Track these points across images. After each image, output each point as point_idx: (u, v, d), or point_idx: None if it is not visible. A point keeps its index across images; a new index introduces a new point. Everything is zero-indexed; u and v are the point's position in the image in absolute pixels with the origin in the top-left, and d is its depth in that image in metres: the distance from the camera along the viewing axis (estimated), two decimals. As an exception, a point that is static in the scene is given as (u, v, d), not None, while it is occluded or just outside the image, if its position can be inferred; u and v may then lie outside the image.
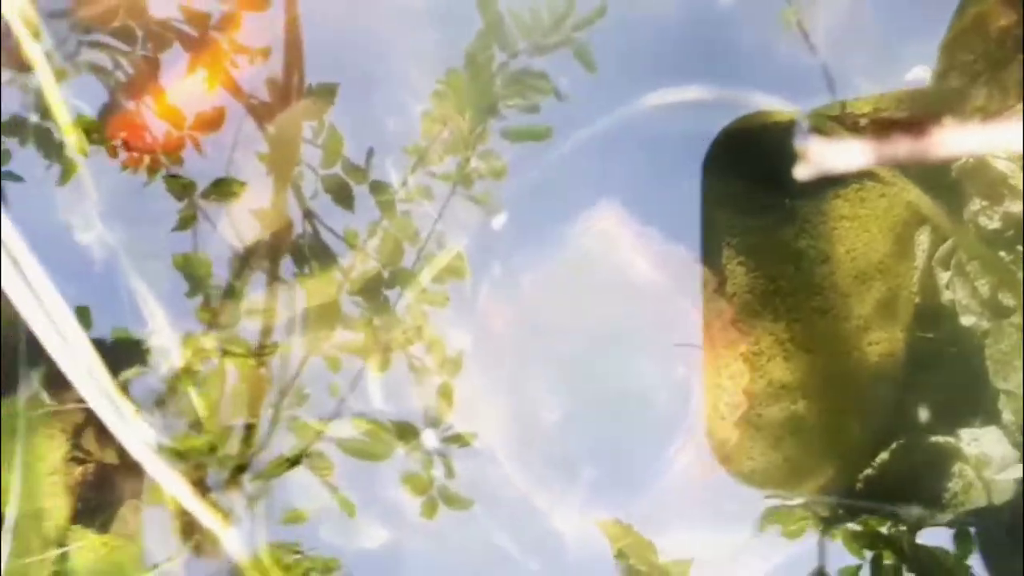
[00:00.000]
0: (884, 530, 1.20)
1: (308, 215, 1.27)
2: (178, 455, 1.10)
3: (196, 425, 1.14)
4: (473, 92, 1.26)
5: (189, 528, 1.09)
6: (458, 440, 1.25)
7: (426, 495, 1.24)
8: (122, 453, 1.18)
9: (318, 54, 1.29)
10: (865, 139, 1.19)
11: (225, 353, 1.14)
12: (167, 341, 1.13)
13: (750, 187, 1.23)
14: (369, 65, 1.29)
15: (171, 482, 1.05)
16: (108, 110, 1.25)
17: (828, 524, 1.20)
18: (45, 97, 1.12)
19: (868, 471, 1.22)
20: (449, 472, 1.25)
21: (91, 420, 1.17)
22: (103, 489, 1.18)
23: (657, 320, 1.24)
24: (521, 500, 1.24)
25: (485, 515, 1.27)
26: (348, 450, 1.24)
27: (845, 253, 1.23)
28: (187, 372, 1.13)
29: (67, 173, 1.23)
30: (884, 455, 1.22)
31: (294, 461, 1.14)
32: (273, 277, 1.24)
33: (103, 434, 1.17)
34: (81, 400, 1.11)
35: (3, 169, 1.22)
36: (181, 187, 1.25)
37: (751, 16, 1.28)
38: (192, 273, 1.22)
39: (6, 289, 0.93)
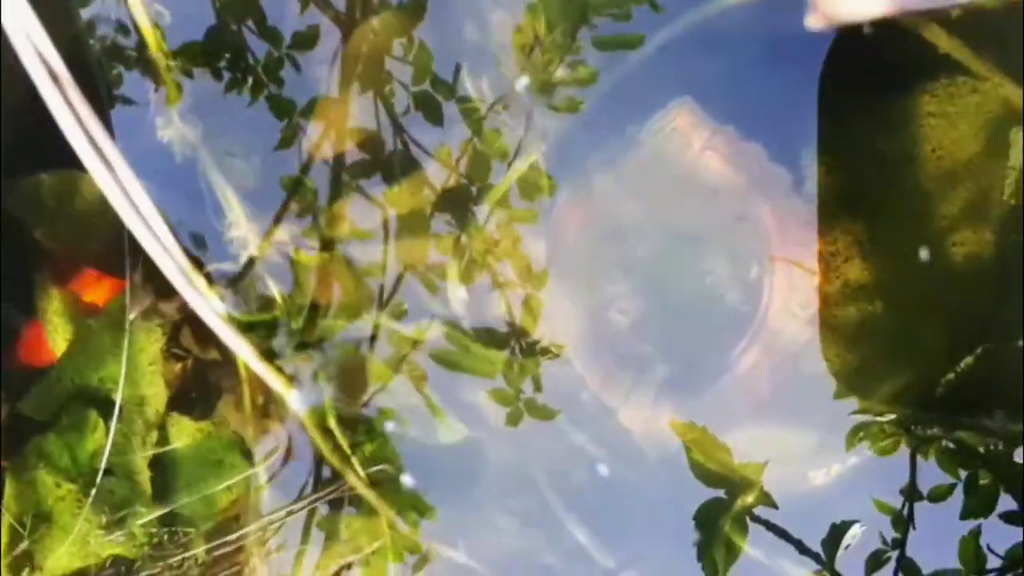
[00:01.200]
0: (981, 449, 1.18)
1: (399, 130, 1.29)
2: (248, 327, 1.18)
3: (267, 306, 1.21)
4: (565, 2, 1.25)
5: (256, 393, 1.17)
6: (546, 353, 1.27)
7: (512, 407, 1.27)
8: (221, 350, 1.26)
9: None
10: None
11: (297, 249, 1.21)
12: (246, 232, 1.20)
13: (831, 85, 1.20)
14: None
15: (240, 346, 1.13)
16: (213, 33, 1.30)
17: (921, 441, 1.18)
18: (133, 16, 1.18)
19: (950, 376, 1.19)
20: (537, 385, 1.27)
21: (188, 319, 1.25)
22: (200, 384, 1.27)
23: (731, 220, 1.24)
24: (591, 399, 1.27)
25: (564, 419, 1.28)
26: (441, 361, 1.27)
27: (931, 152, 1.19)
28: (261, 260, 1.20)
29: (172, 99, 1.29)
30: (968, 360, 1.19)
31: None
32: (363, 192, 1.28)
33: (200, 332, 1.26)
34: (176, 296, 1.20)
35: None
36: (281, 106, 1.29)
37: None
38: (296, 193, 1.27)
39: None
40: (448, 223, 1.29)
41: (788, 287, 1.20)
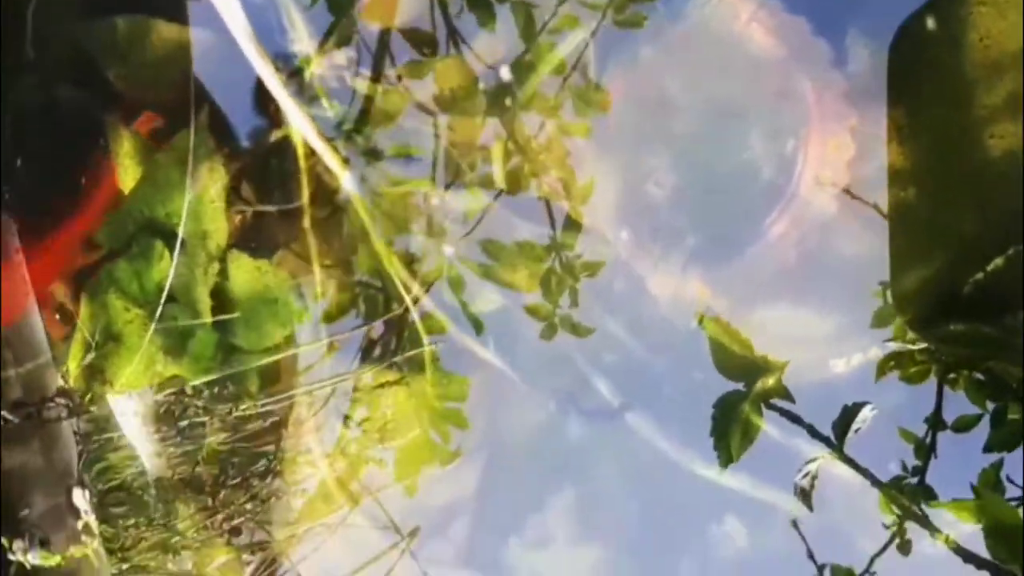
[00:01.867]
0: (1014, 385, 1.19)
1: (452, 34, 1.30)
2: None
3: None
4: None
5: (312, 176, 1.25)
6: (588, 268, 1.31)
7: (548, 322, 1.31)
8: (276, 203, 1.33)
9: None
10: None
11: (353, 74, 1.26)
12: (307, 47, 1.26)
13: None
14: None
15: (301, 122, 1.19)
16: None
17: (949, 369, 1.19)
18: None
19: (979, 276, 1.20)
20: (574, 300, 1.32)
21: (247, 171, 1.32)
22: (260, 235, 1.35)
23: (771, 95, 1.25)
24: (621, 265, 1.32)
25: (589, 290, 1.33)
26: (481, 273, 1.32)
27: (978, 40, 1.18)
28: (318, 74, 1.26)
29: None
30: (998, 262, 1.19)
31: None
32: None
33: (260, 184, 1.33)
34: (238, 145, 1.27)
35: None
36: (336, 3, 1.29)
37: None
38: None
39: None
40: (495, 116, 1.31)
41: (821, 160, 1.22)
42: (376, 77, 1.25)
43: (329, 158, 1.21)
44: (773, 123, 1.23)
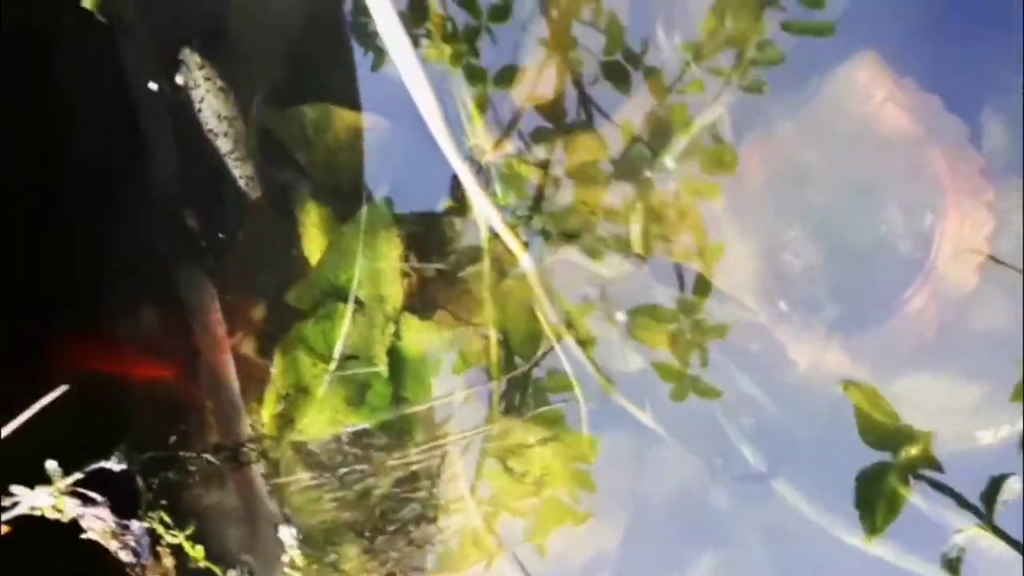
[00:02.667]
0: None
1: (584, 100, 1.38)
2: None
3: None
4: None
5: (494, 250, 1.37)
6: (714, 332, 1.34)
7: (678, 383, 1.35)
8: (439, 270, 1.48)
9: None
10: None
11: (521, 161, 1.39)
12: (482, 142, 1.39)
13: (1013, 40, 1.22)
14: None
15: (488, 208, 1.35)
16: (413, 6, 1.42)
17: None
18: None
19: None
20: (703, 361, 1.35)
21: (416, 240, 1.48)
22: (423, 297, 1.50)
23: (906, 170, 1.29)
24: (758, 331, 1.36)
25: (727, 353, 1.37)
26: (616, 332, 1.38)
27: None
28: (493, 165, 1.40)
29: (378, 61, 1.46)
30: None
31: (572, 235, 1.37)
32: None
33: (424, 254, 1.48)
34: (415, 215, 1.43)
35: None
36: (474, 74, 1.41)
37: None
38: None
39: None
40: (626, 185, 1.38)
41: (959, 235, 1.25)
42: (544, 164, 1.38)
43: (511, 242, 1.34)
44: (909, 198, 1.26)
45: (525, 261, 1.39)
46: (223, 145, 1.42)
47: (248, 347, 1.49)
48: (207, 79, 1.39)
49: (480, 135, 1.38)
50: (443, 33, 1.39)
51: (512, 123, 1.40)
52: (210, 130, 1.42)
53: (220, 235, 1.44)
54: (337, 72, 1.46)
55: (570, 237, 1.36)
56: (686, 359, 1.34)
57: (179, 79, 1.40)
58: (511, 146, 1.40)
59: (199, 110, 1.42)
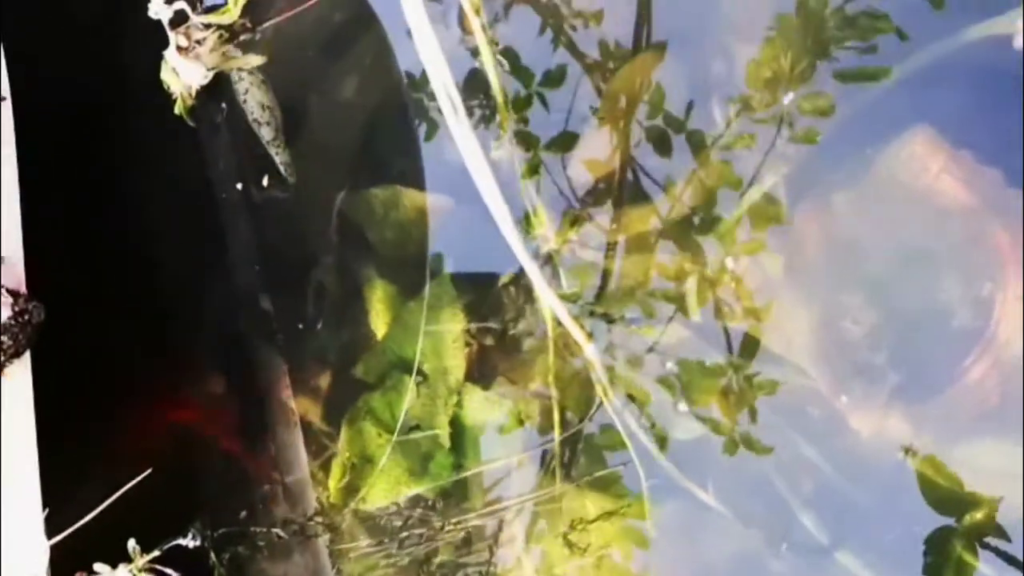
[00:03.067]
0: None
1: (630, 163, 1.41)
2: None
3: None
4: (804, 36, 1.30)
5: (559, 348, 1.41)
6: (763, 388, 1.35)
7: (727, 437, 1.35)
8: (497, 340, 1.52)
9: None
10: None
11: (583, 245, 1.43)
12: (547, 232, 1.44)
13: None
14: (699, 13, 1.41)
15: (553, 301, 1.39)
16: (469, 77, 1.47)
17: None
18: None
19: None
20: (753, 417, 1.36)
21: (478, 309, 1.52)
22: (482, 365, 1.53)
23: (965, 240, 1.30)
24: (818, 396, 1.37)
25: (784, 421, 1.37)
26: (665, 386, 1.41)
27: None
28: (558, 253, 1.44)
29: (431, 132, 1.52)
30: None
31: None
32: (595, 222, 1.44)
33: (487, 321, 1.52)
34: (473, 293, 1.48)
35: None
36: (527, 141, 1.46)
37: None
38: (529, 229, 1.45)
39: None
40: (674, 251, 1.41)
41: (1020, 305, 1.25)
42: (610, 250, 1.42)
43: (577, 333, 1.38)
44: (967, 268, 1.27)
45: (590, 351, 1.42)
46: (265, 133, 1.54)
47: (316, 420, 1.53)
48: (250, 74, 1.47)
49: (544, 224, 1.42)
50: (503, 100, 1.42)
51: (581, 211, 1.44)
52: (255, 120, 1.52)
53: (299, 324, 1.50)
54: (404, 155, 1.52)
55: (631, 322, 1.39)
56: (735, 416, 1.34)
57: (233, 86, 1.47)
58: (574, 234, 1.44)
59: (244, 101, 1.51)
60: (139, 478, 1.21)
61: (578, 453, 1.45)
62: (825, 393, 1.36)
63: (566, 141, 1.41)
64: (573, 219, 1.44)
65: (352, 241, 1.56)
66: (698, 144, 1.35)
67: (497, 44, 1.39)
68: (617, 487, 1.41)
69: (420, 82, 1.49)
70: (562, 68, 1.42)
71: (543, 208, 1.45)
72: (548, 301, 1.40)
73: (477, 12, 1.33)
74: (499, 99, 1.42)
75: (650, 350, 1.41)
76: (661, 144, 1.37)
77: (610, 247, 1.44)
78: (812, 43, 1.30)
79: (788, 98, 1.34)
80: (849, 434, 1.35)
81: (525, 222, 1.45)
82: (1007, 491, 1.26)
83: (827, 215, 1.35)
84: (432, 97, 1.41)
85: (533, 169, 1.42)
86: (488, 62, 1.36)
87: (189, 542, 1.36)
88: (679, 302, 1.38)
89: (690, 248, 1.38)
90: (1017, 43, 1.23)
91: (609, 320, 1.43)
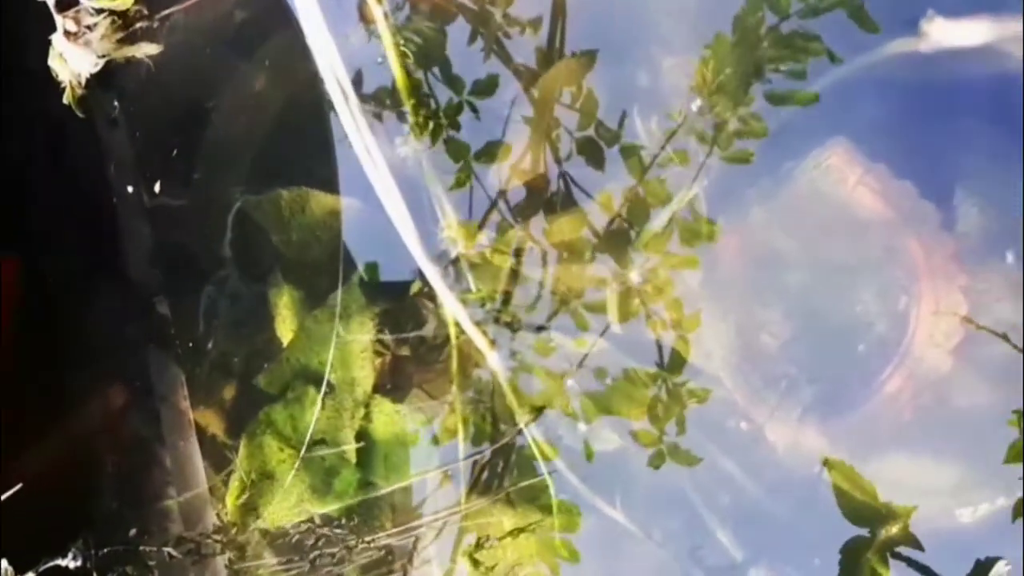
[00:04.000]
0: None
1: (563, 175, 1.38)
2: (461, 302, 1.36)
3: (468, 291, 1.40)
4: (739, 56, 1.30)
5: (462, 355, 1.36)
6: (694, 395, 1.34)
7: (655, 448, 1.34)
8: (413, 348, 1.46)
9: (583, 21, 1.40)
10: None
11: (495, 251, 1.39)
12: (455, 235, 1.39)
13: (986, 129, 1.25)
14: (632, 31, 1.38)
15: (456, 307, 1.33)
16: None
17: None
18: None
19: None
20: (680, 429, 1.34)
21: (391, 319, 1.46)
22: (397, 376, 1.48)
23: (881, 253, 1.30)
24: (735, 408, 1.36)
25: (705, 435, 1.36)
26: (592, 400, 1.37)
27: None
28: (466, 257, 1.39)
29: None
30: None
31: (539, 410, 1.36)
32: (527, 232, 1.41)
33: (401, 331, 1.46)
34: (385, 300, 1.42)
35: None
36: (457, 150, 1.41)
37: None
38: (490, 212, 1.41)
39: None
40: (606, 262, 1.39)
41: (934, 319, 1.26)
42: (518, 251, 1.37)
43: (479, 340, 1.33)
44: (883, 280, 1.28)
45: (492, 360, 1.38)
46: None
47: (219, 432, 1.45)
48: None
49: (454, 227, 1.37)
50: (425, 111, 1.37)
51: (490, 209, 1.40)
52: None
53: (199, 330, 1.42)
54: (315, 156, 1.45)
55: (539, 329, 1.35)
56: (663, 426, 1.32)
57: None
58: (485, 237, 1.39)
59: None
60: (10, 492, 1.11)
61: (492, 467, 1.40)
62: (742, 406, 1.34)
63: (496, 150, 1.38)
64: (483, 221, 1.40)
65: (257, 244, 1.48)
66: (630, 156, 1.34)
67: (401, 34, 1.33)
68: (532, 502, 1.36)
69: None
70: (493, 77, 1.39)
71: (451, 210, 1.40)
72: (450, 306, 1.35)
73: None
74: (404, 92, 1.37)
75: (577, 364, 1.37)
76: (593, 155, 1.36)
77: (525, 253, 1.40)
78: (747, 62, 1.29)
79: (721, 116, 1.33)
80: (766, 447, 1.33)
81: (433, 223, 1.39)
82: (921, 504, 1.25)
83: (745, 228, 1.34)
84: (368, 100, 1.35)
85: (463, 180, 1.38)
86: (391, 51, 1.31)
87: (70, 562, 1.26)
88: (601, 311, 1.35)
89: (616, 258, 1.34)
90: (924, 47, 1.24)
91: (514, 328, 1.38)
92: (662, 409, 1.33)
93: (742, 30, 1.28)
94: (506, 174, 1.39)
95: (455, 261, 1.38)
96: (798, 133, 1.32)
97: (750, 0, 1.27)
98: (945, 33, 1.23)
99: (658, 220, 1.34)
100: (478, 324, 1.36)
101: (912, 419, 1.26)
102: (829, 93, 1.31)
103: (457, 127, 1.40)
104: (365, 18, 1.42)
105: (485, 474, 1.39)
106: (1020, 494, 1.20)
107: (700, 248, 1.36)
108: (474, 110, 1.39)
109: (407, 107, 1.38)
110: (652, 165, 1.32)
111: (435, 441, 1.41)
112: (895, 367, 1.25)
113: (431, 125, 1.39)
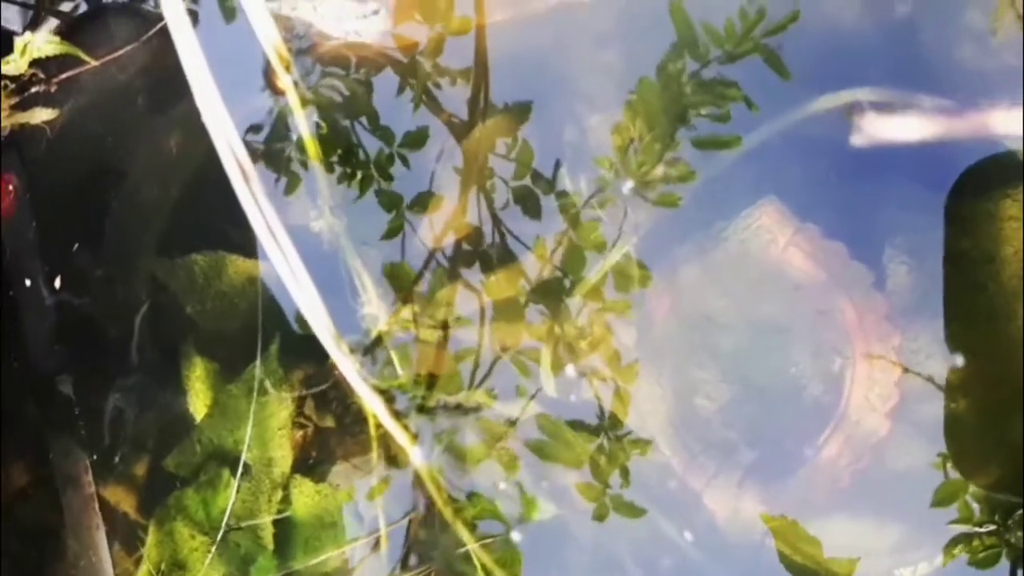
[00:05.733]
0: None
1: (497, 223, 1.37)
2: (379, 390, 1.30)
3: (393, 374, 1.34)
4: (664, 101, 1.31)
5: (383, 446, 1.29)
6: (637, 446, 1.32)
7: (598, 502, 1.31)
8: (337, 420, 1.39)
9: (513, 74, 1.40)
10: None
11: (419, 325, 1.33)
12: (376, 310, 1.34)
13: (912, 186, 1.26)
14: (560, 82, 1.39)
15: (373, 401, 1.26)
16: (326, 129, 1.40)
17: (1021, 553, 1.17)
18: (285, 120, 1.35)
19: None
20: (624, 481, 1.32)
21: (309, 393, 1.39)
22: (320, 449, 1.40)
23: (813, 314, 1.29)
24: (677, 481, 1.33)
25: (645, 498, 1.33)
26: (533, 450, 1.34)
27: (1013, 253, 1.22)
28: (388, 336, 1.34)
29: (292, 185, 1.42)
30: None
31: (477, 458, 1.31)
32: (463, 280, 1.39)
33: (321, 404, 1.39)
34: (306, 371, 1.34)
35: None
36: (389, 200, 1.40)
37: (928, 20, 1.30)
38: (398, 282, 1.39)
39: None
40: (542, 312, 1.38)
41: (869, 380, 1.25)
42: (444, 325, 1.33)
43: (400, 436, 1.27)
44: (817, 341, 1.27)
45: (415, 456, 1.32)
46: None
47: (131, 512, 1.36)
48: None
49: (374, 302, 1.32)
50: (354, 162, 1.35)
51: (427, 262, 1.35)
52: None
53: (106, 409, 1.33)
54: (232, 219, 1.39)
55: (467, 412, 1.30)
56: (606, 478, 1.30)
57: None
58: (408, 311, 1.33)
59: None
60: None
61: (418, 546, 1.34)
62: (680, 472, 1.31)
63: (428, 201, 1.36)
64: (407, 295, 1.34)
65: (169, 313, 1.40)
66: (565, 204, 1.33)
67: (313, 102, 1.29)
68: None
69: (278, 131, 1.38)
70: (423, 129, 1.38)
71: (371, 284, 1.34)
72: (367, 399, 1.29)
73: (287, 68, 1.23)
74: (317, 163, 1.32)
75: (512, 426, 1.32)
76: (529, 204, 1.35)
77: (452, 325, 1.35)
78: (671, 107, 1.30)
79: (649, 163, 1.32)
80: (703, 511, 1.30)
81: (353, 299, 1.34)
82: (861, 565, 1.23)
83: (678, 288, 1.32)
84: (301, 149, 1.30)
85: (395, 230, 1.35)
86: (302, 123, 1.26)
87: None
88: (536, 360, 1.31)
89: (551, 310, 1.31)
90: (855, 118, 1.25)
91: (441, 414, 1.32)
92: (605, 461, 1.30)
93: (665, 76, 1.30)
94: (440, 227, 1.35)
95: (377, 342, 1.32)
96: (728, 191, 1.32)
97: (672, 48, 1.29)
98: (877, 127, 1.23)
99: (593, 271, 1.31)
100: (399, 416, 1.30)
101: (851, 483, 1.24)
102: (759, 150, 1.31)
103: (389, 179, 1.38)
104: (274, 88, 1.38)
105: (412, 556, 1.33)
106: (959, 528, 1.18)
107: (634, 295, 1.34)
108: (405, 162, 1.38)
109: (323, 164, 1.33)
110: (585, 206, 1.32)
111: (360, 519, 1.34)
112: (832, 431, 1.24)
113: (360, 176, 1.36)
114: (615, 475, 1.31)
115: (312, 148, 1.32)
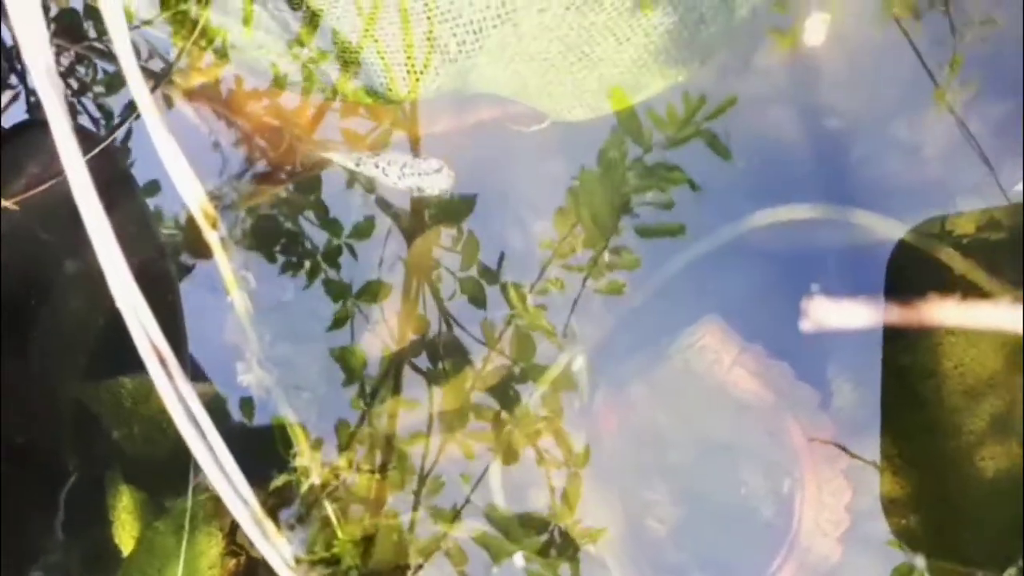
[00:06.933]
0: None
1: (444, 315, 1.36)
2: (312, 565, 1.24)
3: (330, 538, 1.28)
4: (605, 187, 1.31)
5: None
6: (587, 536, 1.29)
7: None
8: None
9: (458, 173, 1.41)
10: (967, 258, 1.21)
11: (358, 470, 1.28)
12: (308, 462, 1.28)
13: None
14: (501, 185, 1.39)
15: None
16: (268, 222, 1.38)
17: None
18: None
19: None
20: (575, 571, 1.30)
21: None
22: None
23: (762, 434, 1.28)
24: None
25: None
26: (481, 543, 1.31)
27: (952, 368, 1.23)
28: (324, 487, 1.28)
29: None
30: (1011, 572, 1.20)
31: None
32: (411, 373, 1.36)
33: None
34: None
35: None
36: (337, 289, 1.39)
37: (859, 134, 1.33)
38: (348, 365, 1.36)
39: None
40: (491, 407, 1.34)
41: (819, 504, 1.23)
42: (383, 467, 1.28)
43: None
44: (766, 463, 1.26)
45: None
46: None
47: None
48: None
49: (307, 455, 1.27)
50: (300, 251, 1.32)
51: (382, 378, 1.31)
52: None
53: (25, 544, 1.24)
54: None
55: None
56: (556, 571, 1.28)
57: None
58: (345, 460, 1.29)
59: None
60: None
61: None
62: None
63: (376, 289, 1.34)
64: (349, 437, 1.30)
65: (95, 439, 1.33)
66: (510, 294, 1.33)
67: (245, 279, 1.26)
68: None
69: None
70: (370, 220, 1.37)
71: (302, 432, 1.29)
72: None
73: (214, 225, 1.19)
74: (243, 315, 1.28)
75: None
76: (475, 294, 1.34)
77: (386, 471, 1.30)
78: (613, 193, 1.30)
79: (593, 252, 1.31)
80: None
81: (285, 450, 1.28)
82: None
83: (625, 405, 1.30)
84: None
85: (342, 320, 1.34)
86: (237, 300, 1.23)
87: None
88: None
89: (501, 402, 1.28)
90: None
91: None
92: (555, 551, 1.28)
93: (606, 162, 1.30)
94: (390, 319, 1.33)
95: (312, 505, 1.27)
96: (672, 308, 1.31)
97: (613, 134, 1.29)
98: (827, 314, 1.25)
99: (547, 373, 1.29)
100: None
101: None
102: (703, 267, 1.31)
103: (337, 267, 1.37)
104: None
105: None
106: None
107: (576, 424, 1.32)
108: (352, 253, 1.37)
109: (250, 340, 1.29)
110: (532, 291, 1.32)
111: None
112: (784, 559, 1.22)
113: (307, 265, 1.34)
114: (564, 567, 1.28)
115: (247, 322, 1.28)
